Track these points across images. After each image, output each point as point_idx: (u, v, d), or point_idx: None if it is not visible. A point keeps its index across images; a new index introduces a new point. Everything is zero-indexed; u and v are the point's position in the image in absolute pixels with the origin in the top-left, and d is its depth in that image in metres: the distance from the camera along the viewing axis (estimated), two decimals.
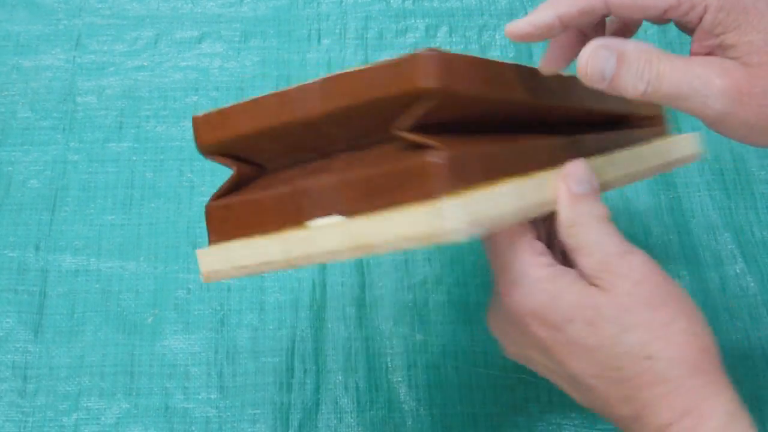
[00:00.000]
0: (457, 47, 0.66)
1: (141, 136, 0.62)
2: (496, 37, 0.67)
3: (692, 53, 0.37)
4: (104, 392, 0.52)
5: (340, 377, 0.53)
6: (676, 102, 0.34)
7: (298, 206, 0.34)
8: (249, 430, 0.51)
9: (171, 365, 0.53)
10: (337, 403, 0.52)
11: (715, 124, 0.35)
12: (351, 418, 0.52)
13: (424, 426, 0.52)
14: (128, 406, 0.52)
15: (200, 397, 0.52)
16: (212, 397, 0.52)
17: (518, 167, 0.35)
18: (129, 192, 0.59)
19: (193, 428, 0.51)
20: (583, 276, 0.36)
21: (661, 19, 0.36)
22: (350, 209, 0.33)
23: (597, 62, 0.34)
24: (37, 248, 0.57)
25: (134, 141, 0.61)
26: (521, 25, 0.35)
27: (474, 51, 0.66)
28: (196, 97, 0.64)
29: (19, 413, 0.51)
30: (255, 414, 0.52)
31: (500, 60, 0.37)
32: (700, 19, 0.34)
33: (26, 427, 0.51)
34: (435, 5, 0.69)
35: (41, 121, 0.62)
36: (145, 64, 0.65)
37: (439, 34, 0.67)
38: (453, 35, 0.67)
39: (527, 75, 0.37)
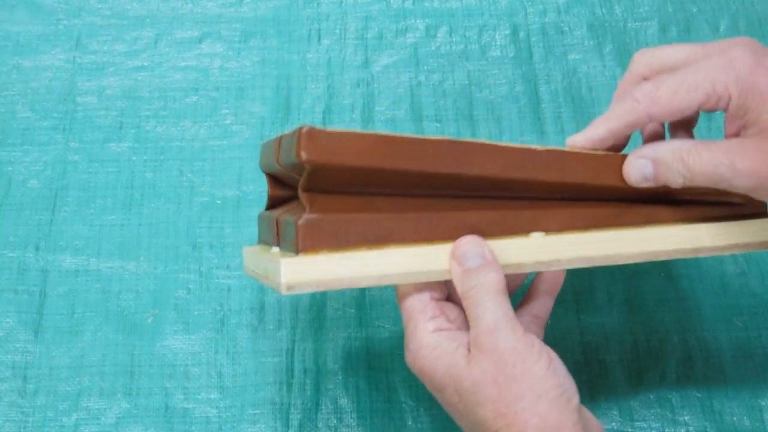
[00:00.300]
0: (457, 47, 0.66)
1: (141, 136, 0.62)
2: (496, 37, 0.67)
3: (726, 132, 0.43)
4: (104, 392, 0.52)
5: (340, 377, 0.53)
6: (709, 185, 0.40)
7: (272, 231, 0.43)
8: (249, 430, 0.51)
9: (171, 365, 0.53)
10: (337, 403, 0.52)
11: (749, 194, 0.40)
12: (351, 418, 0.52)
13: (424, 426, 0.52)
14: (128, 406, 0.52)
15: (200, 397, 0.52)
16: (212, 397, 0.52)
17: (411, 235, 0.40)
18: (129, 192, 0.59)
19: (193, 428, 0.51)
20: (469, 344, 0.39)
21: (698, 114, 0.43)
22: (277, 243, 0.42)
23: (637, 170, 0.41)
24: (37, 248, 0.57)
25: (134, 141, 0.61)
26: (579, 139, 0.43)
27: (474, 51, 0.66)
28: (196, 97, 0.64)
29: (19, 413, 0.51)
30: (255, 414, 0.52)
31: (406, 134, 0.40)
32: (728, 105, 0.39)
33: (26, 427, 0.51)
34: (435, 5, 0.69)
35: (41, 121, 0.62)
36: (145, 64, 0.65)
37: (439, 34, 0.67)
38: (453, 35, 0.67)
39: (436, 147, 0.40)
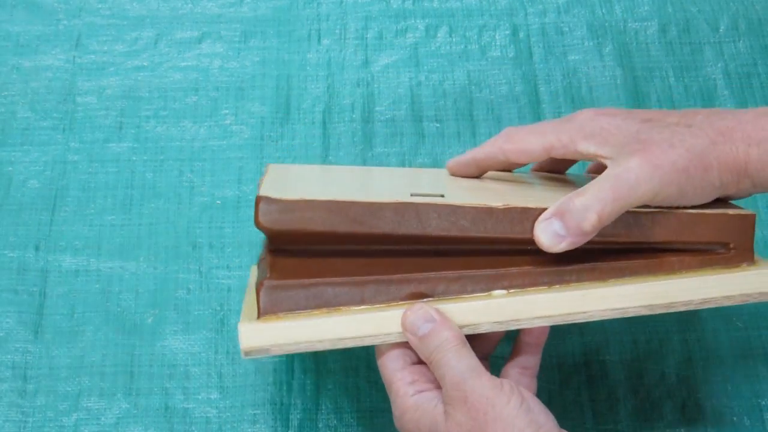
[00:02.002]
0: (457, 47, 0.66)
1: (141, 136, 0.62)
2: (496, 37, 0.67)
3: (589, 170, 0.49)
4: (104, 392, 0.52)
5: (340, 377, 0.53)
6: (627, 203, 0.39)
7: (258, 271, 0.45)
8: (249, 430, 0.51)
9: (171, 365, 0.53)
10: (337, 403, 0.52)
11: (659, 199, 0.40)
12: (351, 418, 0.52)
13: None
14: (128, 406, 0.52)
15: (200, 397, 0.52)
16: (212, 397, 0.52)
17: (368, 299, 0.41)
18: (129, 192, 0.59)
19: (193, 428, 0.51)
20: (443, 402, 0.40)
21: (549, 160, 0.45)
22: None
23: (545, 231, 0.40)
24: (37, 248, 0.57)
25: (134, 141, 0.61)
26: (452, 162, 0.47)
27: (474, 51, 0.66)
28: (196, 97, 0.64)
29: (19, 413, 0.51)
30: (255, 414, 0.52)
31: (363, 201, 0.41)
32: (576, 150, 0.42)
33: (26, 427, 0.51)
34: (435, 5, 0.69)
35: (41, 121, 0.62)
36: (145, 64, 0.65)
37: (439, 34, 0.67)
38: (453, 35, 0.67)
39: (391, 210, 0.41)
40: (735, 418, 0.52)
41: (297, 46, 0.66)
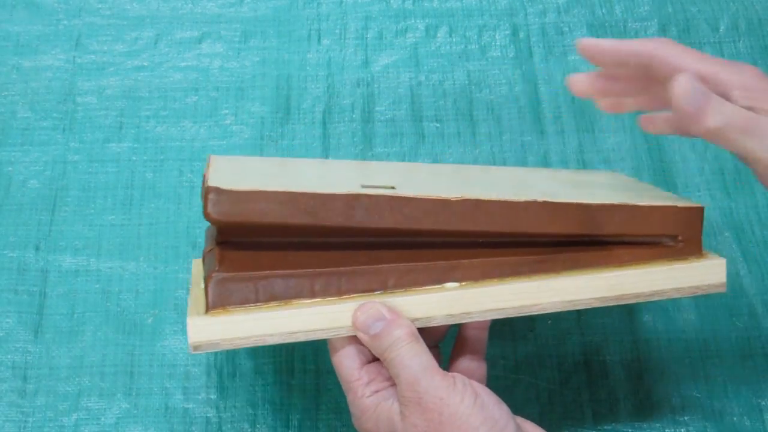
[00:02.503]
0: (457, 47, 0.66)
1: (141, 136, 0.62)
2: (496, 37, 0.67)
3: None
4: (104, 392, 0.52)
5: None
6: (747, 144, 0.38)
7: (204, 260, 0.44)
8: (249, 430, 0.51)
9: (171, 365, 0.53)
10: (337, 403, 0.52)
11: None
12: (351, 418, 0.52)
13: None
14: (128, 406, 0.52)
15: (200, 397, 0.52)
16: (212, 397, 0.52)
17: (320, 292, 0.40)
18: (129, 192, 0.59)
19: (193, 428, 0.51)
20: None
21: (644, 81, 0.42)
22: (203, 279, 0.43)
23: (688, 90, 0.38)
24: (37, 248, 0.57)
25: (134, 141, 0.61)
26: (586, 41, 0.43)
27: (474, 51, 0.66)
28: (196, 97, 0.64)
29: (19, 413, 0.51)
30: (255, 414, 0.52)
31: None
32: (725, 94, 0.40)
33: (26, 427, 0.51)
34: (435, 5, 0.69)
35: (41, 121, 0.62)
36: (145, 64, 0.65)
37: (439, 34, 0.67)
38: (453, 35, 0.67)
39: (343, 202, 0.40)
40: (735, 418, 0.52)
41: (297, 46, 0.66)
